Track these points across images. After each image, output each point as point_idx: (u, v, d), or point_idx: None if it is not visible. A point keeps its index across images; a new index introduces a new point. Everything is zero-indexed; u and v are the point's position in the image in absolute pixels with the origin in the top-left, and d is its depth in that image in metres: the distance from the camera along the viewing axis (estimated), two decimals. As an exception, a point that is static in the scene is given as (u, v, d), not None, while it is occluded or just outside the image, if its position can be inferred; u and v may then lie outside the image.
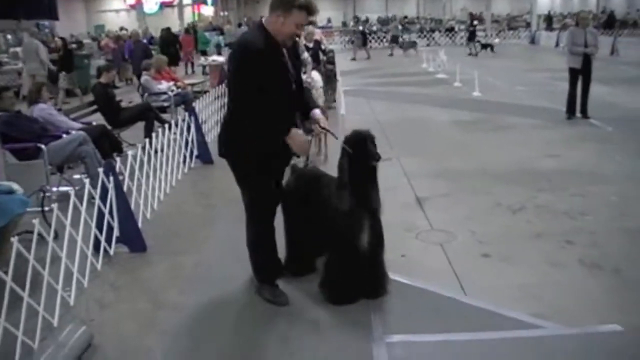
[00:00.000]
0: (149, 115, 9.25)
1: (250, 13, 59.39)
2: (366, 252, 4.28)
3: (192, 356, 3.88)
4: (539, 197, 6.70)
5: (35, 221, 4.10)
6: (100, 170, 5.32)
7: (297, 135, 4.07)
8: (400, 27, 32.02)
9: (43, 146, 6.68)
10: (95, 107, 9.19)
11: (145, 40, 22.25)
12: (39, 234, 4.16)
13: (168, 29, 22.95)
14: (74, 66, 15.70)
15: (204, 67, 17.68)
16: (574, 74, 11.04)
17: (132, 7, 38.86)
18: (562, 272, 4.86)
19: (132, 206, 5.82)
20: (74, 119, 8.33)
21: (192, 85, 13.15)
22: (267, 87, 3.91)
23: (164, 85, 10.84)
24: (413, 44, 29.66)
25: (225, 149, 4.26)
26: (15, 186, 5.36)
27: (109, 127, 8.85)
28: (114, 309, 4.54)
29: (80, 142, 7.02)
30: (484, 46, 28.97)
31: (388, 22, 49.66)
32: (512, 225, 5.92)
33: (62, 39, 16.35)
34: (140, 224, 5.97)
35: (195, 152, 8.58)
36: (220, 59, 15.83)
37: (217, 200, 7.05)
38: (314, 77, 9.58)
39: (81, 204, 4.96)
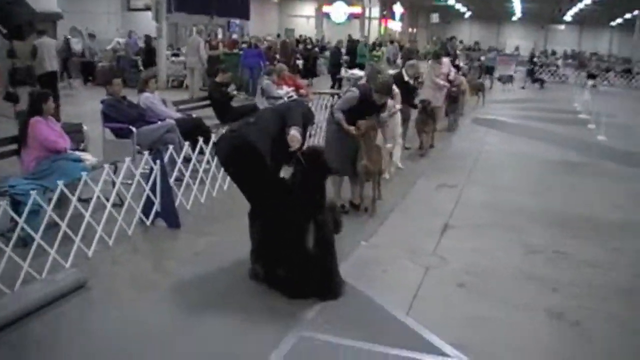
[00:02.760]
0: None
1: (439, 32, 59.92)
2: (314, 256, 4.88)
3: (155, 309, 4.79)
4: (569, 244, 6.72)
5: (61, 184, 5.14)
6: (146, 153, 6.31)
7: None
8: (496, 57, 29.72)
9: (134, 129, 7.86)
10: (208, 102, 10.34)
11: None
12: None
13: (353, 39, 25.25)
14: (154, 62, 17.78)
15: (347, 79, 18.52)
16: None
17: (323, 14, 40.79)
18: (520, 314, 5.02)
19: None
20: (185, 110, 9.58)
21: (320, 94, 14.02)
22: None
23: (283, 91, 11.82)
24: (510, 78, 27.61)
25: None
26: (87, 156, 6.53)
27: (218, 122, 9.99)
28: (122, 265, 5.55)
29: (168, 129, 8.18)
30: (535, 80, 28.34)
31: (576, 57, 47.70)
32: (513, 265, 6.07)
33: (147, 36, 18.15)
34: (189, 206, 6.99)
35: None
36: (360, 73, 16.58)
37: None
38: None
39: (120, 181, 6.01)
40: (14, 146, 6.21)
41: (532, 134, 14.34)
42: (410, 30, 48.48)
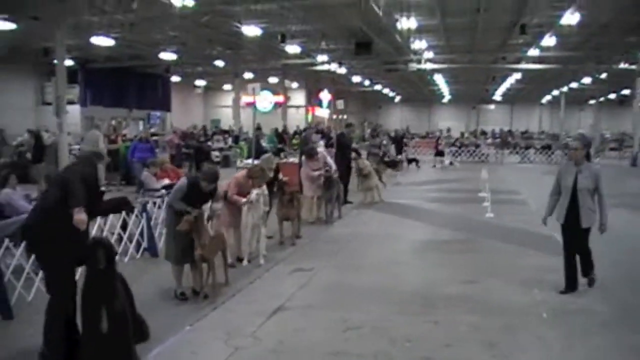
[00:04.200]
0: (125, 209, 10.46)
1: (371, 118, 61.67)
2: (107, 340, 5.19)
3: None
4: (392, 319, 7.10)
5: None
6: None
7: None
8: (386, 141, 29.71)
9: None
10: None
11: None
12: None
13: (276, 129, 25.88)
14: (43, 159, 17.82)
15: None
16: (562, 231, 8.35)
17: (248, 105, 41.62)
18: None
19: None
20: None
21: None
22: None
23: (162, 184, 12.17)
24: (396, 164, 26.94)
25: None
26: None
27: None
28: None
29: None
30: (410, 161, 28.91)
31: (499, 136, 49.54)
32: (326, 342, 6.41)
33: (34, 131, 18.48)
34: (30, 297, 7.23)
35: (145, 245, 9.74)
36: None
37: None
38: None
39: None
40: None
41: (420, 216, 14.92)
42: (340, 117, 49.48)
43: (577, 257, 8.19)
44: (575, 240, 8.11)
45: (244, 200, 9.32)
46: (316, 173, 13.07)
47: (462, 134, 48.79)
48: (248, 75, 35.24)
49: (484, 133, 53.50)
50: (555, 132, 53.76)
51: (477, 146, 35.62)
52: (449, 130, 52.19)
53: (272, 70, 36.45)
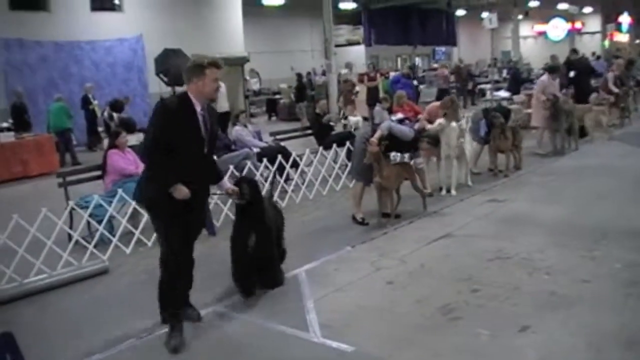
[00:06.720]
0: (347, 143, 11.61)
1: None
2: (252, 253, 6.19)
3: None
4: (544, 252, 6.99)
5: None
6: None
7: (180, 187, 4.94)
8: None
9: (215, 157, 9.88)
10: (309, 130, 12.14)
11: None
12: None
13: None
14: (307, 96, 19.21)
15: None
16: None
17: (539, 34, 40.07)
18: (410, 308, 5.84)
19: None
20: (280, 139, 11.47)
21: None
22: (177, 141, 4.91)
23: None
24: None
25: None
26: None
27: (317, 146, 11.63)
28: (142, 263, 7.54)
29: (244, 157, 10.04)
30: None
31: None
32: (463, 269, 6.70)
33: (298, 74, 20.05)
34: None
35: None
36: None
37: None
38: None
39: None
40: (99, 172, 8.74)
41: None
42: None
43: None
44: None
45: (429, 126, 9.50)
46: (543, 97, 12.88)
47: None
48: (534, 3, 33.77)
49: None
50: None
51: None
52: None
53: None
